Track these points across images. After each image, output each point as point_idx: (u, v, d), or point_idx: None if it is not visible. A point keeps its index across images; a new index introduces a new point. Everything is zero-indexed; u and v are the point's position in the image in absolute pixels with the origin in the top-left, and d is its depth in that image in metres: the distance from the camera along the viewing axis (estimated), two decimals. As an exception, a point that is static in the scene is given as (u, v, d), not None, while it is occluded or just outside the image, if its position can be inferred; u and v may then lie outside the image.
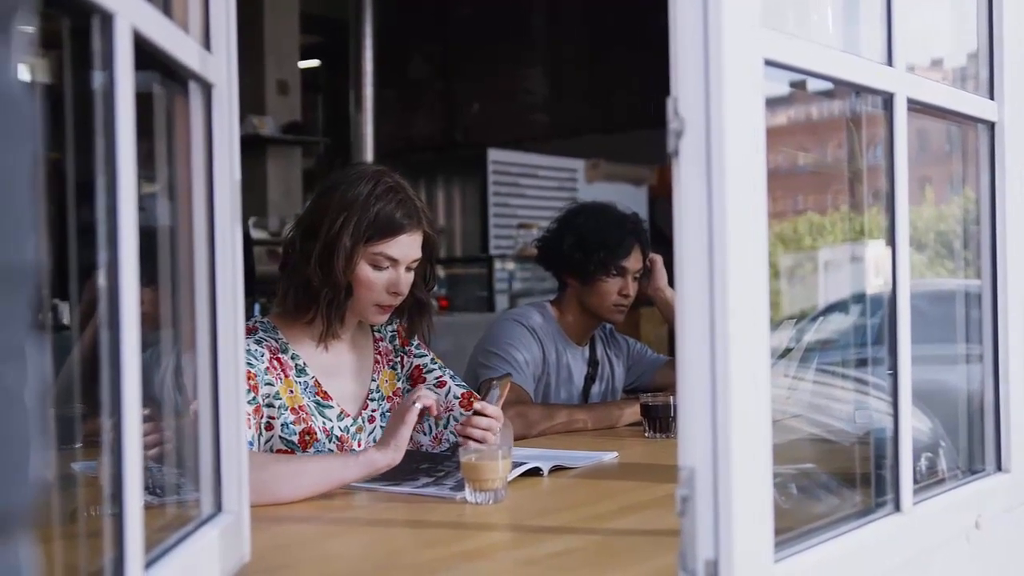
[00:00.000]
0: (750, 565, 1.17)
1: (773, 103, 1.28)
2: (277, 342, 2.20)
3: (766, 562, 1.22)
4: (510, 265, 7.59)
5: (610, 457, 2.34)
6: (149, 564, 1.10)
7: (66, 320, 2.51)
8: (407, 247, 2.18)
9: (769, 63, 1.24)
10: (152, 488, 1.32)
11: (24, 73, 0.58)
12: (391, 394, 2.34)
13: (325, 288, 2.14)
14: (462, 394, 2.34)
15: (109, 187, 1.01)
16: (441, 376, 2.38)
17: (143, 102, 1.08)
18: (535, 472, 2.10)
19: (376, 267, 2.16)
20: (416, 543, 1.65)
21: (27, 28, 0.59)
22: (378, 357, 2.35)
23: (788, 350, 2.22)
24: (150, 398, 1.16)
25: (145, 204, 1.13)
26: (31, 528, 0.59)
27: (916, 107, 1.57)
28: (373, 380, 2.32)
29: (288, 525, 1.77)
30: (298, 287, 2.18)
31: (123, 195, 1.01)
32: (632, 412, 2.82)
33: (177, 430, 1.51)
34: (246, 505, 1.42)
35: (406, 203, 2.18)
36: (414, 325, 2.34)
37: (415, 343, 2.41)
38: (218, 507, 1.38)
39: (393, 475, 2.03)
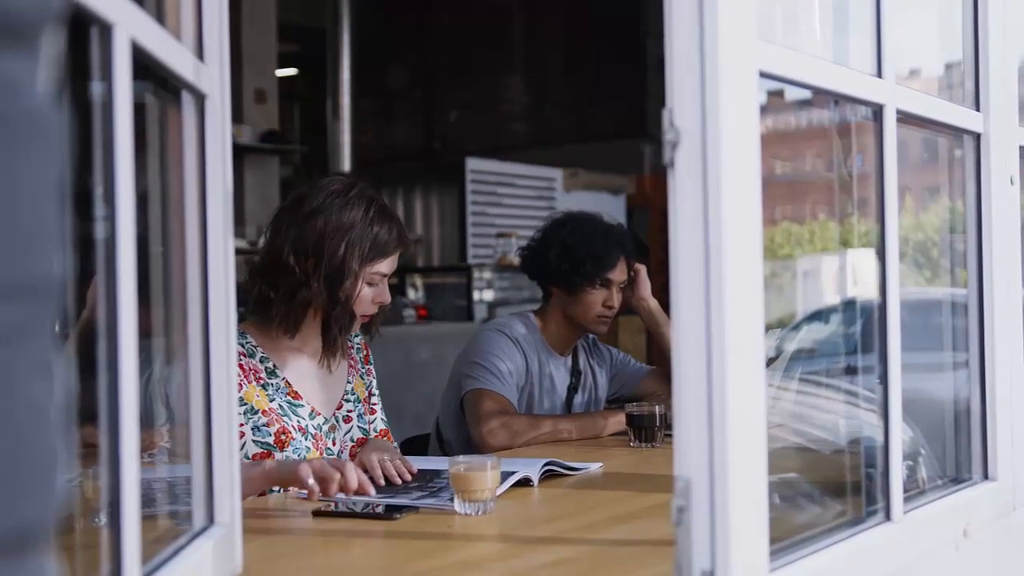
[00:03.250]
0: (746, 575, 1.18)
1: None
2: (243, 347, 2.25)
3: (761, 572, 1.22)
4: (488, 274, 7.58)
5: (596, 467, 2.34)
6: (144, 577, 1.09)
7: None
8: (395, 262, 2.33)
9: (764, 75, 1.25)
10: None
11: (51, 86, 0.58)
12: (363, 399, 2.45)
13: (335, 310, 2.24)
14: (381, 430, 2.45)
15: (108, 197, 1.00)
16: (376, 405, 2.50)
17: (135, 112, 1.08)
18: (525, 483, 2.10)
19: (370, 284, 2.28)
20: (407, 554, 1.64)
21: (54, 42, 0.59)
22: (351, 362, 2.44)
23: (770, 360, 2.24)
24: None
25: (137, 214, 1.13)
26: (55, 541, 0.59)
27: (904, 118, 1.59)
28: (348, 382, 2.41)
29: (279, 537, 1.76)
30: (299, 307, 2.24)
31: (122, 206, 1.00)
32: (617, 422, 2.82)
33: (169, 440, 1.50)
34: (238, 518, 1.41)
35: (397, 221, 2.32)
36: (372, 321, 2.39)
37: (371, 363, 2.53)
38: (210, 519, 1.37)
39: (387, 490, 2.02)
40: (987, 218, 1.82)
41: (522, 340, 2.99)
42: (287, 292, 2.23)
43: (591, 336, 3.19)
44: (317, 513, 1.87)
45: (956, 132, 1.83)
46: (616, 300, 3.02)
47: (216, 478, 1.37)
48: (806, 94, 1.55)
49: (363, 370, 2.48)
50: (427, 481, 2.12)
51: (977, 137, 1.83)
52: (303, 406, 2.28)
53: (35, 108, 0.56)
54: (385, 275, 2.30)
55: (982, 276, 1.83)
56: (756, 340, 1.21)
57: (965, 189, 1.86)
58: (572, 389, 3.12)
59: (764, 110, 1.53)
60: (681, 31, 1.17)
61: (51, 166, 0.57)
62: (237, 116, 7.25)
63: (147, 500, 1.41)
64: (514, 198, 8.16)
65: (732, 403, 1.16)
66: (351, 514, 1.86)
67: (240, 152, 7.26)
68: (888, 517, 1.52)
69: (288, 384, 2.28)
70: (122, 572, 1.01)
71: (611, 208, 7.66)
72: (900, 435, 1.54)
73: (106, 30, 1.00)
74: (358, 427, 2.40)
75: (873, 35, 1.52)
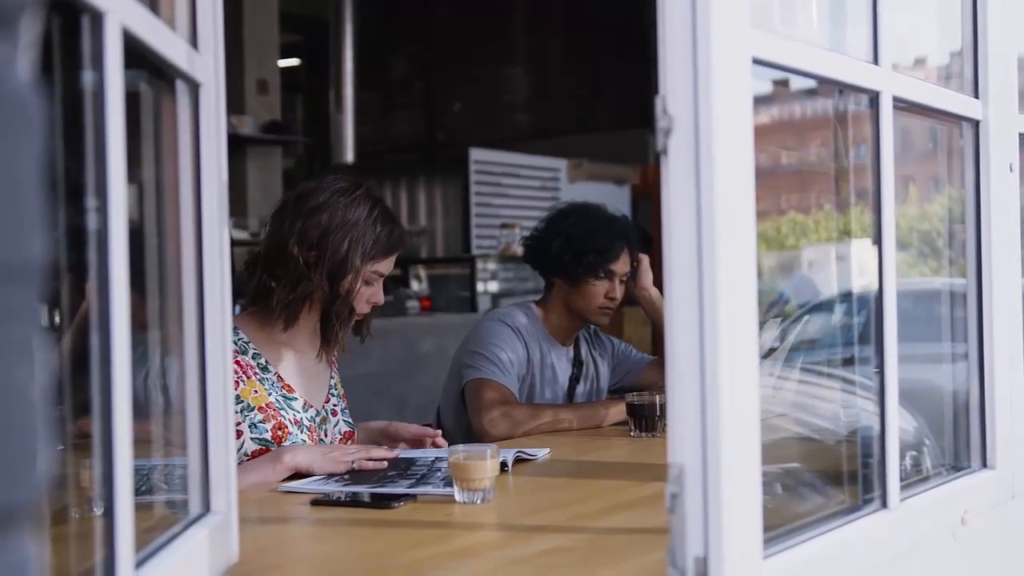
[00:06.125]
0: (739, 562, 1.18)
1: (756, 101, 1.28)
2: (236, 343, 2.26)
3: (755, 559, 1.22)
4: (492, 265, 7.58)
5: (543, 454, 2.35)
6: (139, 564, 1.09)
7: (43, 322, 2.50)
8: (392, 263, 2.37)
9: (757, 61, 1.24)
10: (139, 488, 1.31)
11: (30, 71, 0.58)
12: (342, 395, 2.49)
13: (335, 304, 2.27)
14: (346, 431, 2.45)
15: (99, 187, 1.00)
16: (344, 405, 2.50)
17: (128, 101, 1.08)
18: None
19: (367, 283, 2.31)
20: (404, 543, 1.64)
21: (33, 26, 0.59)
22: (333, 359, 2.48)
23: (772, 349, 2.23)
24: (134, 399, 1.16)
25: (133, 205, 1.13)
26: (37, 524, 0.60)
27: (901, 105, 1.58)
28: (332, 378, 2.46)
29: (276, 526, 1.77)
30: (299, 299, 2.26)
31: (113, 196, 1.00)
32: (617, 411, 2.82)
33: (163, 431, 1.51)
34: (234, 506, 1.41)
35: (398, 224, 2.36)
36: (363, 321, 2.41)
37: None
38: (206, 507, 1.37)
39: (372, 482, 2.02)
40: (986, 206, 1.82)
41: (523, 330, 2.99)
42: (288, 283, 2.25)
43: (592, 326, 3.19)
44: (315, 502, 1.87)
45: (955, 120, 1.83)
46: (618, 292, 3.01)
47: (212, 466, 1.38)
48: (812, 83, 1.55)
49: (338, 368, 2.53)
50: (405, 469, 2.12)
51: (976, 124, 1.82)
52: (296, 399, 2.32)
53: (14, 93, 0.57)
54: (383, 275, 2.34)
55: (981, 264, 1.83)
56: (749, 327, 1.21)
57: (964, 177, 1.85)
58: (574, 379, 3.12)
59: (769, 99, 1.53)
60: (673, 18, 1.16)
61: (31, 151, 0.58)
62: (239, 107, 7.25)
63: (146, 488, 1.41)
64: (518, 189, 8.16)
65: (725, 390, 1.16)
66: (349, 503, 1.87)
67: (242, 143, 7.26)
68: (884, 505, 1.52)
69: (280, 379, 2.31)
70: (115, 560, 1.01)
71: (616, 198, 7.66)
72: (896, 423, 1.54)
73: (97, 18, 1.00)
74: (343, 421, 2.45)
75: (869, 22, 1.51)
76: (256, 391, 2.25)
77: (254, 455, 2.19)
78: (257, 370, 2.27)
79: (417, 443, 2.42)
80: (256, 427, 2.22)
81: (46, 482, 0.60)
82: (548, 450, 2.40)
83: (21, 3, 0.56)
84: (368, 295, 2.32)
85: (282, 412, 2.26)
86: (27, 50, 0.58)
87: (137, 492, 1.15)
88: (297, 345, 2.36)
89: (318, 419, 2.35)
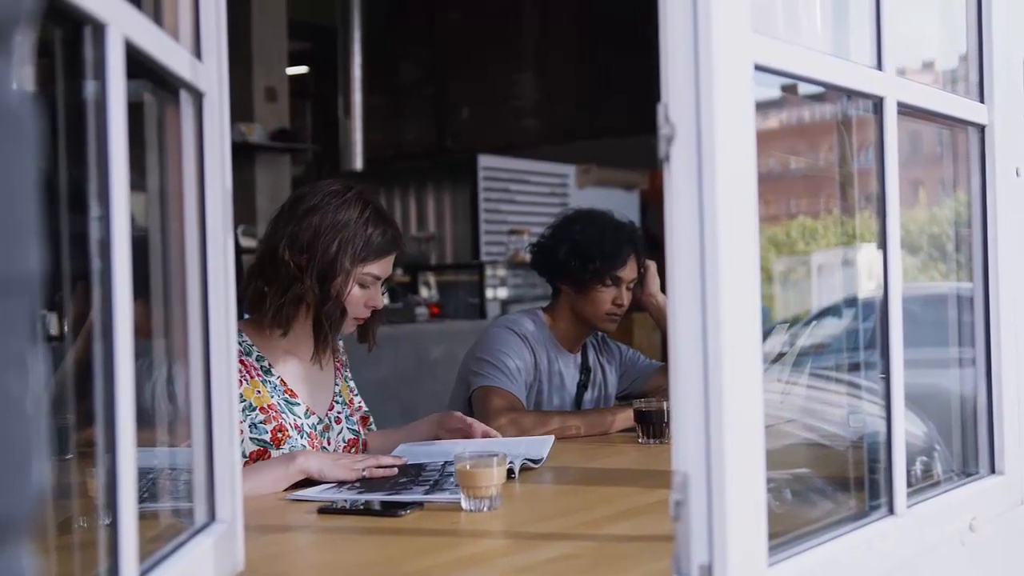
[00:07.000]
0: (744, 569, 1.17)
1: (764, 107, 1.28)
2: (240, 345, 2.27)
3: (760, 566, 1.22)
4: (501, 271, 7.58)
5: (548, 443, 2.39)
6: (143, 574, 1.10)
7: (53, 331, 2.51)
8: (389, 266, 2.35)
9: (759, 68, 1.24)
10: (144, 496, 1.31)
11: (25, 84, 0.59)
12: (348, 402, 2.48)
13: (326, 306, 2.27)
14: (349, 439, 2.44)
15: (102, 197, 1.00)
16: (349, 412, 2.48)
17: (133, 111, 1.08)
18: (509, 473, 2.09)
19: (362, 285, 2.31)
20: (411, 551, 1.64)
21: (27, 39, 0.59)
22: (338, 365, 2.48)
23: (781, 354, 2.23)
24: (142, 409, 1.16)
25: (135, 213, 1.13)
26: (32, 535, 0.60)
27: (906, 110, 1.58)
28: (336, 384, 2.45)
29: (282, 534, 1.77)
30: (291, 302, 2.27)
31: (116, 205, 1.00)
32: (625, 418, 2.82)
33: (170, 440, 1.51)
34: (240, 515, 1.41)
35: (392, 226, 2.35)
36: (368, 328, 2.41)
37: (347, 368, 2.55)
38: (212, 516, 1.37)
39: (385, 489, 2.02)
40: (992, 210, 1.81)
41: (531, 337, 2.99)
42: (280, 287, 2.26)
43: (600, 333, 3.18)
44: (321, 511, 1.87)
45: (960, 124, 1.82)
46: (625, 298, 3.01)
47: (217, 474, 1.38)
48: (820, 88, 1.55)
49: (346, 374, 2.53)
50: (416, 476, 2.12)
51: (982, 129, 1.82)
52: (299, 404, 2.32)
53: (9, 106, 0.57)
54: (378, 277, 2.32)
55: (988, 269, 1.82)
56: (752, 333, 1.21)
57: (970, 181, 1.85)
58: (582, 386, 3.12)
59: (778, 105, 1.53)
60: (675, 25, 1.16)
61: (26, 164, 0.58)
62: (248, 115, 7.25)
63: (150, 496, 1.41)
64: (527, 195, 8.17)
65: (728, 397, 1.16)
66: (356, 511, 1.87)
67: (251, 151, 7.26)
68: (891, 511, 1.52)
69: (283, 383, 2.31)
70: (119, 569, 1.01)
71: (625, 204, 7.66)
72: (903, 428, 1.53)
73: (99, 29, 1.00)
74: (347, 428, 2.44)
75: (872, 27, 1.51)
76: (259, 391, 2.25)
77: (252, 456, 2.19)
78: (260, 372, 2.28)
79: (463, 434, 2.44)
80: (256, 427, 2.22)
81: (42, 493, 0.60)
82: (552, 437, 2.43)
83: (15, 16, 0.57)
84: (365, 299, 2.31)
85: (283, 415, 2.26)
86: (22, 63, 0.58)
87: (141, 499, 1.15)
88: (299, 352, 2.36)
89: (320, 427, 2.35)
